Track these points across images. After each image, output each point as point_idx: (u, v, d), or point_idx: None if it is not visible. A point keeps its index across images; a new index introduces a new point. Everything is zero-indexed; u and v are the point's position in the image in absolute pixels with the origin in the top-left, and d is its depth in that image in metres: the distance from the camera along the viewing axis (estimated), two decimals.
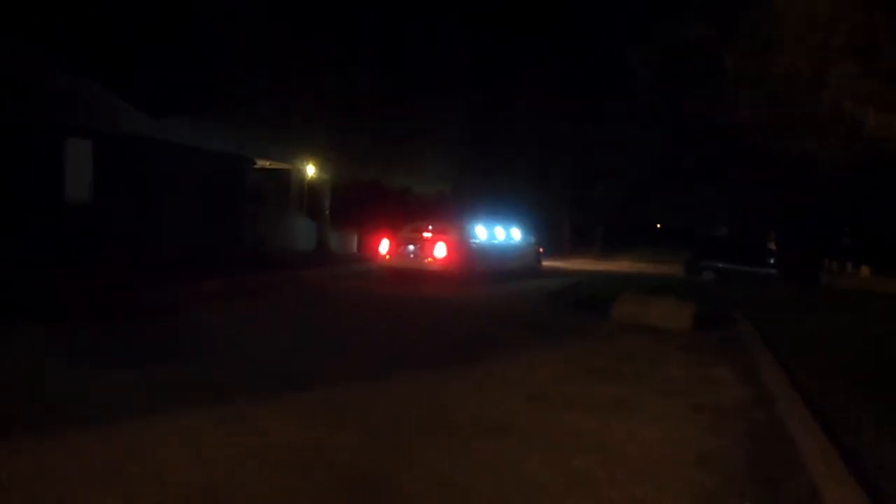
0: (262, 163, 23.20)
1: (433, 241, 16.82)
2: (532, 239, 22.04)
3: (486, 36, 27.34)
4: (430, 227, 17.55)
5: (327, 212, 23.25)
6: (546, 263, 24.51)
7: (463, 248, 17.07)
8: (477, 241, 18.03)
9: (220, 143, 19.45)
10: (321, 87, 21.66)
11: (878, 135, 8.46)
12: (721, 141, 17.78)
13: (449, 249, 16.66)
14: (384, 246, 17.63)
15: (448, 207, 29.50)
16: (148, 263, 13.39)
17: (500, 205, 30.63)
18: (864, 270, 28.70)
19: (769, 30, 9.53)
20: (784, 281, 20.20)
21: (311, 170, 23.59)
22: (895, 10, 8.08)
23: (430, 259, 16.72)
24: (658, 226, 48.86)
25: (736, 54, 9.98)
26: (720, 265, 22.01)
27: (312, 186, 24.10)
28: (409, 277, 16.85)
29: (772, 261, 21.95)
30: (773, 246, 22.78)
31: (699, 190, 27.79)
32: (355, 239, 23.89)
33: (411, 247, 17.06)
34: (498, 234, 19.41)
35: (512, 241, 20.19)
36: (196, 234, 16.65)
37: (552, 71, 28.13)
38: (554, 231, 36.27)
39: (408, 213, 26.35)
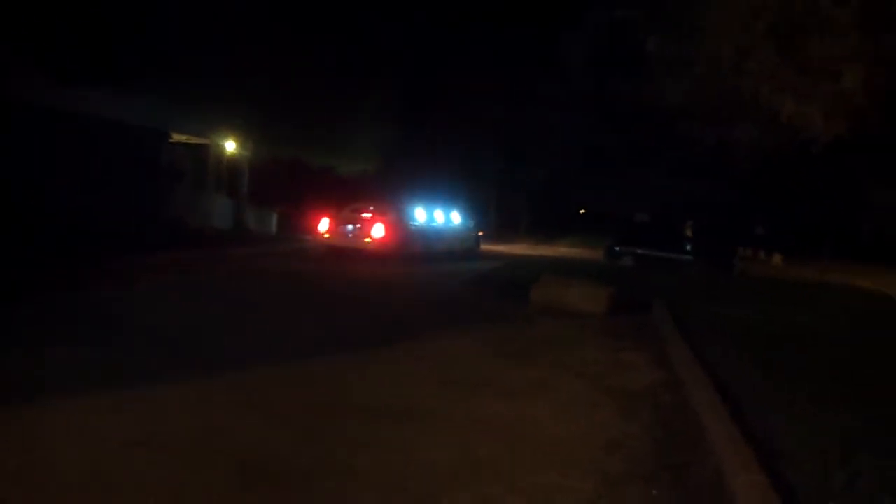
0: (179, 137, 22.32)
1: (372, 222, 17.20)
2: (471, 223, 22.48)
3: (417, 15, 26.99)
4: (370, 208, 17.94)
5: (245, 189, 22.59)
6: (486, 247, 24.74)
7: (401, 230, 17.52)
8: (416, 223, 18.55)
9: (136, 116, 18.59)
10: (244, 63, 21.00)
11: (795, 124, 8.56)
12: (646, 126, 17.97)
13: (387, 230, 17.04)
14: (324, 225, 17.94)
15: (374, 188, 29.14)
16: (47, 240, 12.63)
17: (427, 186, 30.44)
18: (777, 258, 29.69)
19: (693, 15, 9.54)
20: (699, 267, 20.63)
21: (230, 146, 22.84)
22: (816, 1, 8.14)
23: (368, 239, 17.07)
24: (582, 211, 49.34)
25: (661, 38, 9.97)
26: (639, 251, 22.31)
27: (232, 163, 23.36)
28: (348, 256, 17.16)
29: (688, 247, 22.37)
30: (689, 233, 23.19)
31: (623, 173, 28.11)
32: (275, 217, 23.25)
33: (350, 226, 17.44)
34: (438, 217, 19.87)
35: (451, 225, 20.68)
36: (104, 209, 15.82)
37: (483, 53, 27.96)
38: (491, 215, 36.25)
39: (330, 192, 25.89)
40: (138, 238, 14.97)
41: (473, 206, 24.13)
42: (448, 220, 20.63)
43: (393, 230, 17.24)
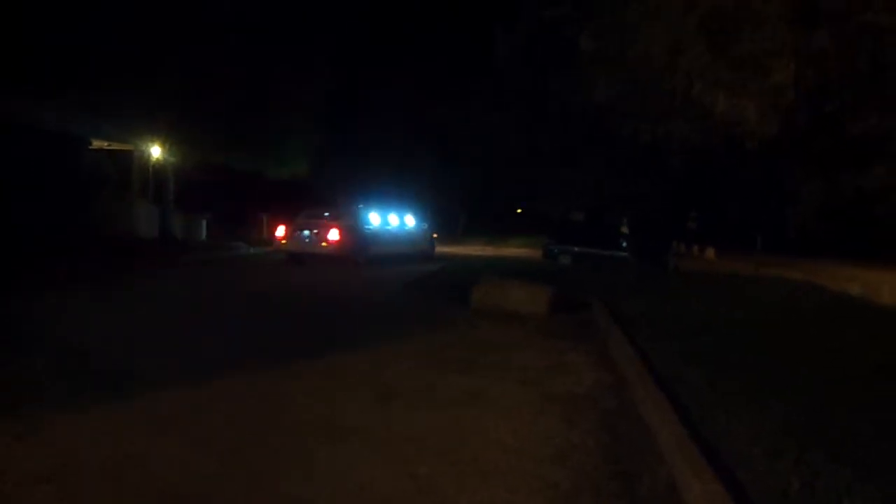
0: (100, 143, 21.44)
1: (328, 227, 17.92)
2: (425, 225, 23.22)
3: (348, 14, 26.56)
4: (326, 214, 18.77)
5: (171, 196, 21.82)
6: (440, 249, 25.21)
7: (355, 234, 18.27)
8: (371, 227, 19.24)
9: (52, 122, 17.73)
10: (168, 67, 20.25)
11: (728, 119, 8.57)
12: (580, 124, 18.03)
13: (342, 234, 17.80)
14: (280, 231, 18.88)
15: (305, 192, 28.64)
16: None
17: (361, 188, 30.07)
18: (710, 252, 30.27)
19: (624, 11, 9.48)
20: (635, 264, 20.79)
21: (155, 152, 22.03)
22: None
23: (324, 243, 17.80)
24: (518, 210, 49.51)
25: (591, 35, 9.89)
26: (576, 249, 22.40)
27: (157, 170, 22.54)
28: (305, 260, 18.03)
29: (624, 244, 22.56)
30: (625, 230, 23.42)
31: (558, 173, 28.20)
32: (204, 225, 22.50)
33: (306, 232, 18.17)
34: (391, 220, 20.60)
35: (405, 228, 21.39)
36: (16, 219, 14.97)
37: (415, 52, 27.68)
38: (443, 217, 35.90)
39: (261, 197, 25.27)
40: (49, 249, 14.22)
41: (418, 209, 24.23)
42: (402, 223, 21.23)
43: (348, 234, 17.92)
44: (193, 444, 4.26)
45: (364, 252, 18.48)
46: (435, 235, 24.41)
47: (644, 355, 7.07)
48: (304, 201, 29.19)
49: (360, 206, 20.08)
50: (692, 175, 18.03)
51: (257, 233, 25.09)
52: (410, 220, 21.88)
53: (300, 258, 18.24)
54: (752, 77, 8.16)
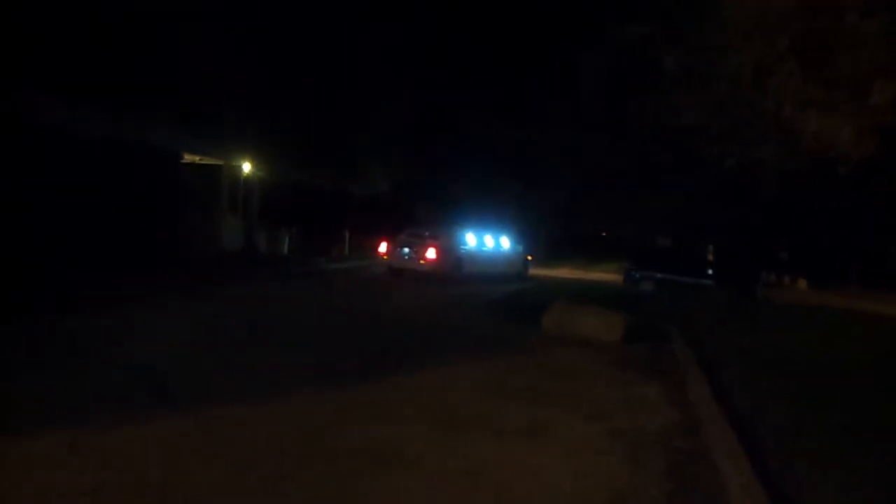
0: (192, 158, 22.11)
1: (426, 246, 19.09)
2: (520, 247, 24.07)
3: (429, 38, 26.73)
4: (426, 233, 19.85)
5: (256, 210, 22.30)
6: (533, 271, 26.02)
7: (452, 253, 19.44)
8: (466, 247, 20.38)
9: (144, 136, 18.38)
10: (257, 82, 20.80)
11: (819, 141, 8.05)
12: (664, 147, 17.53)
13: (438, 253, 18.91)
14: (383, 247, 20.15)
15: (389, 210, 28.91)
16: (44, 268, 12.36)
17: (444, 208, 30.15)
18: (801, 284, 28.88)
19: (714, 31, 9.08)
20: (721, 293, 20.00)
21: (243, 167, 22.58)
22: (840, 14, 7.66)
23: (422, 261, 18.93)
24: (604, 234, 48.69)
25: (679, 55, 9.52)
26: (659, 275, 21.82)
27: (243, 184, 23.09)
28: (404, 275, 19.29)
29: (710, 272, 21.82)
30: (711, 257, 22.69)
31: (642, 197, 27.56)
32: (285, 240, 22.88)
33: (406, 249, 19.41)
34: (487, 241, 21.73)
35: (500, 249, 22.39)
36: (107, 234, 15.51)
37: (498, 72, 27.57)
38: (534, 240, 35.63)
39: (343, 214, 25.59)
40: (141, 261, 14.68)
41: (513, 232, 24.92)
42: (498, 244, 22.28)
43: (444, 253, 19.08)
44: (239, 466, 4.17)
45: (459, 270, 19.53)
46: (530, 258, 25.24)
47: (722, 393, 6.65)
48: (386, 219, 29.50)
49: (458, 227, 21.06)
50: (783, 202, 17.20)
51: (339, 249, 25.36)
52: (505, 242, 22.84)
53: (399, 272, 19.48)
54: (847, 98, 7.64)
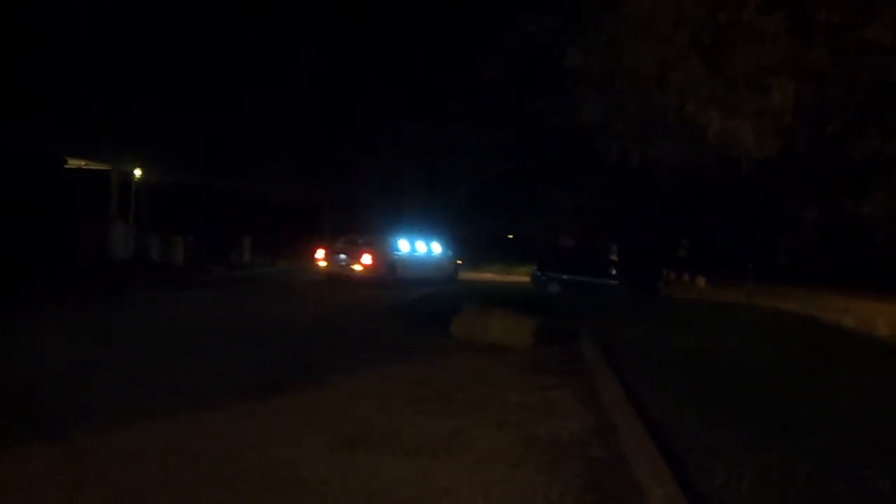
0: (77, 162, 20.85)
1: (361, 252, 20.03)
2: (450, 252, 25.12)
3: (332, 35, 26.20)
4: (359, 240, 20.87)
5: (147, 216, 21.23)
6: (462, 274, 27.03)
7: (386, 258, 20.36)
8: (399, 252, 21.35)
9: (22, 139, 17.16)
10: (148, 84, 19.80)
11: (722, 140, 8.04)
12: (567, 146, 17.61)
13: (374, 259, 19.88)
14: (320, 254, 20.84)
15: (292, 213, 28.20)
16: None
17: (352, 208, 29.61)
18: (701, 281, 29.78)
19: (615, 25, 8.99)
20: (625, 292, 20.30)
21: (133, 171, 21.45)
22: (739, 8, 7.66)
23: (358, 266, 19.86)
24: (510, 236, 48.95)
25: (579, 50, 9.39)
26: (565, 276, 21.99)
27: (132, 189, 21.94)
28: (341, 281, 19.80)
29: (614, 272, 22.15)
30: (615, 257, 23.04)
31: (546, 197, 27.79)
32: (181, 246, 21.80)
33: (343, 255, 20.27)
34: (419, 247, 22.67)
35: (432, 254, 23.41)
36: None
37: (402, 70, 27.21)
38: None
39: (241, 217, 24.71)
40: (18, 272, 13.61)
41: (443, 237, 25.63)
42: (429, 250, 23.25)
43: (379, 259, 20.01)
44: (115, 500, 3.66)
45: (393, 275, 20.33)
46: (460, 262, 26.21)
47: (635, 394, 6.51)
48: (290, 224, 28.67)
49: (390, 234, 21.94)
50: (683, 200, 17.58)
51: (238, 255, 24.41)
52: (436, 247, 23.84)
53: (336, 279, 20.03)
54: (748, 96, 7.65)
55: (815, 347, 10.57)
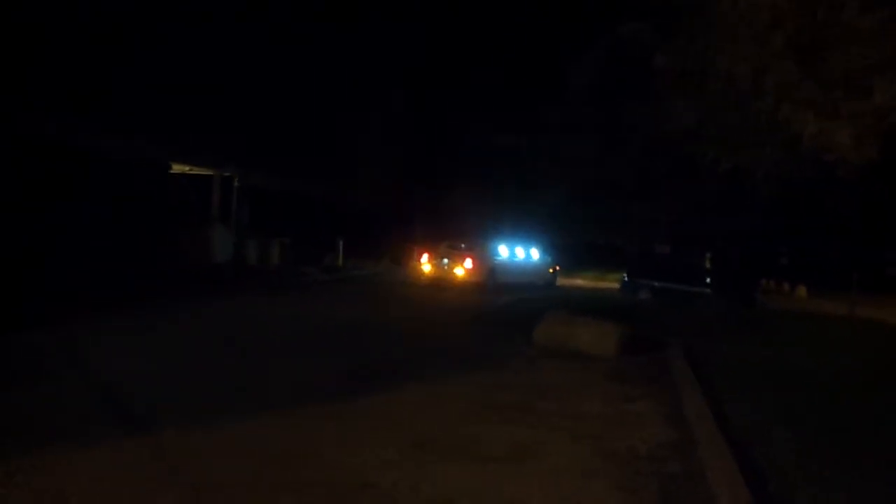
0: (181, 168, 21.77)
1: (462, 257, 20.87)
2: (549, 258, 25.63)
3: (422, 45, 26.47)
4: (462, 245, 21.63)
5: (247, 220, 21.96)
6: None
7: (486, 263, 21.08)
8: (499, 257, 22.04)
9: (131, 146, 18.05)
10: (250, 91, 20.52)
11: (818, 143, 7.69)
12: (657, 153, 17.23)
13: (474, 264, 20.67)
14: (424, 258, 21.81)
15: (385, 218, 28.64)
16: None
17: (442, 215, 29.83)
18: (801, 291, 28.49)
19: (707, 29, 8.74)
20: (719, 301, 19.64)
21: (234, 176, 22.23)
22: (838, 9, 7.32)
23: (459, 270, 20.68)
24: (601, 243, 48.18)
25: (671, 55, 9.17)
26: (656, 284, 21.49)
27: (233, 193, 22.73)
28: (443, 284, 20.71)
29: (708, 280, 21.47)
30: (709, 265, 22.37)
31: (637, 205, 27.25)
32: (277, 249, 22.48)
33: (445, 260, 21.16)
34: (518, 252, 23.35)
35: (530, 259, 24.03)
36: (93, 246, 15.15)
37: (491, 80, 27.23)
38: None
39: (338, 223, 25.25)
40: (129, 276, 14.33)
41: (543, 243, 25.94)
42: (528, 255, 23.87)
43: (480, 264, 20.77)
44: (200, 498, 3.81)
45: (492, 280, 20.96)
46: (557, 267, 26.59)
47: (720, 409, 6.29)
48: (380, 229, 29.12)
49: (491, 239, 22.64)
50: (781, 207, 16.86)
51: (332, 258, 24.97)
52: (535, 253, 24.39)
53: (438, 282, 20.93)
54: (846, 98, 7.28)
55: None
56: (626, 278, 23.55)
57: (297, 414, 5.70)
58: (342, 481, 4.22)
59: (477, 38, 25.96)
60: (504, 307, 16.09)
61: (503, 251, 22.48)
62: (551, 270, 25.85)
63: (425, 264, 21.58)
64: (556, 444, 5.28)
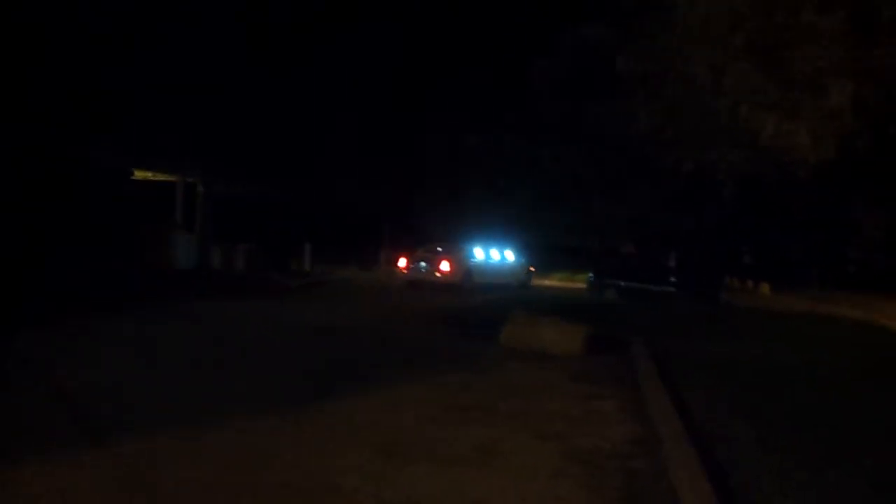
0: (143, 174, 21.51)
1: (439, 259, 21.77)
2: (523, 260, 26.46)
3: (387, 47, 26.41)
4: (439, 248, 22.73)
5: (210, 226, 21.74)
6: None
7: (462, 265, 21.93)
8: (475, 259, 22.89)
9: (91, 152, 17.78)
10: (213, 97, 20.32)
11: (777, 143, 7.80)
12: (620, 153, 17.40)
13: (451, 266, 21.55)
14: (402, 262, 22.72)
15: (352, 221, 28.54)
16: None
17: (410, 218, 29.76)
18: (764, 288, 28.90)
19: (668, 31, 8.83)
20: (684, 299, 19.87)
21: (197, 183, 21.99)
22: (797, 10, 7.44)
23: (437, 273, 21.55)
24: (567, 244, 48.39)
25: (630, 56, 9.25)
26: (622, 283, 21.72)
27: (197, 199, 22.48)
28: (421, 286, 21.55)
29: (673, 279, 21.74)
30: (672, 263, 22.67)
31: (600, 205, 27.49)
32: (241, 255, 22.25)
33: (423, 263, 22.08)
34: (493, 254, 24.25)
35: (505, 261, 24.94)
36: (54, 251, 14.90)
37: (456, 81, 27.23)
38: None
39: (304, 227, 25.12)
40: (89, 283, 14.09)
41: (517, 246, 27.04)
42: (503, 257, 24.78)
43: (456, 266, 21.62)
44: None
45: (469, 280, 21.83)
46: (533, 269, 27.44)
47: (685, 406, 6.35)
48: (348, 233, 28.99)
49: (467, 242, 23.58)
50: (744, 206, 17.11)
51: (298, 263, 24.81)
52: (510, 255, 25.29)
53: (417, 284, 21.78)
54: (804, 98, 7.40)
55: (880, 359, 10.14)
56: (592, 278, 23.78)
57: (259, 418, 5.62)
58: (304, 485, 4.16)
59: (443, 39, 25.99)
60: (475, 308, 16.11)
61: (479, 253, 23.22)
62: (529, 271, 26.69)
63: (403, 268, 22.43)
64: (521, 444, 5.27)
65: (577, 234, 35.40)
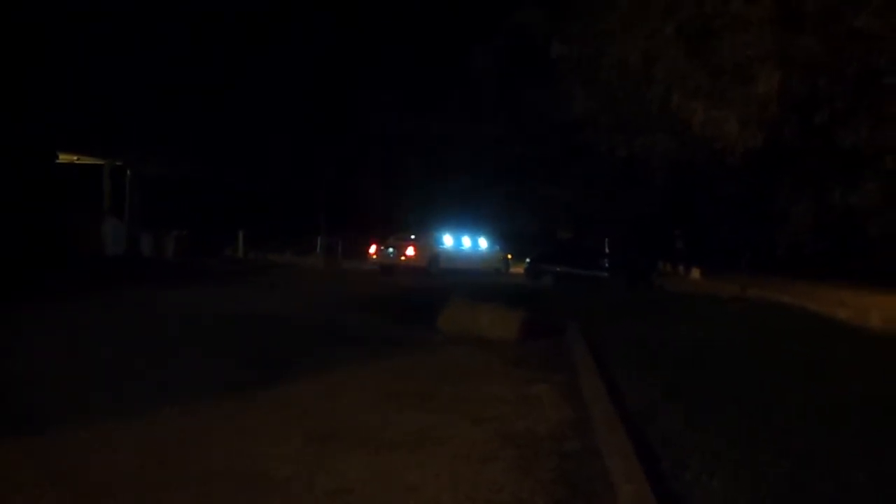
0: (69, 157, 20.74)
1: (406, 245, 22.77)
2: (498, 247, 27.38)
3: (328, 30, 26.08)
4: (409, 236, 23.62)
5: (139, 212, 21.14)
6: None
7: (428, 251, 22.84)
8: (443, 246, 23.81)
9: (13, 132, 17.06)
10: (142, 79, 19.74)
11: (706, 131, 7.97)
12: (556, 138, 17.56)
13: (416, 251, 22.48)
14: (372, 248, 23.82)
15: (284, 205, 28.18)
16: None
17: (349, 202, 29.51)
18: (696, 272, 29.67)
19: (602, 17, 8.91)
20: (617, 284, 20.24)
21: (126, 166, 21.32)
22: (726, 0, 7.58)
23: (403, 257, 22.49)
24: (501, 231, 48.64)
25: (564, 41, 9.31)
26: (558, 269, 21.98)
27: (126, 184, 21.81)
28: (388, 270, 22.72)
29: (607, 264, 22.12)
30: (607, 249, 23.12)
31: (539, 189, 27.76)
32: (172, 242, 21.67)
33: (391, 249, 23.07)
34: (465, 242, 25.18)
35: (478, 248, 25.76)
36: None
37: (395, 65, 27.03)
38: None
39: (236, 212, 24.65)
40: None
41: (493, 233, 27.77)
42: (475, 244, 25.61)
43: (421, 251, 22.54)
44: (80, 500, 3.61)
45: (436, 266, 22.68)
46: (510, 256, 28.07)
47: (616, 388, 6.45)
48: (284, 218, 28.57)
49: (437, 229, 24.47)
50: (676, 192, 17.49)
51: (231, 250, 24.34)
52: (483, 242, 26.10)
53: (386, 268, 22.88)
54: (733, 86, 7.57)
55: (805, 341, 10.49)
56: (529, 264, 24.03)
57: (191, 408, 5.47)
58: (236, 475, 4.08)
59: (382, 23, 25.78)
60: (410, 294, 16.06)
61: (448, 240, 24.17)
62: (506, 258, 27.34)
63: (373, 254, 23.45)
64: (458, 428, 5.28)
65: (518, 218, 35.63)
